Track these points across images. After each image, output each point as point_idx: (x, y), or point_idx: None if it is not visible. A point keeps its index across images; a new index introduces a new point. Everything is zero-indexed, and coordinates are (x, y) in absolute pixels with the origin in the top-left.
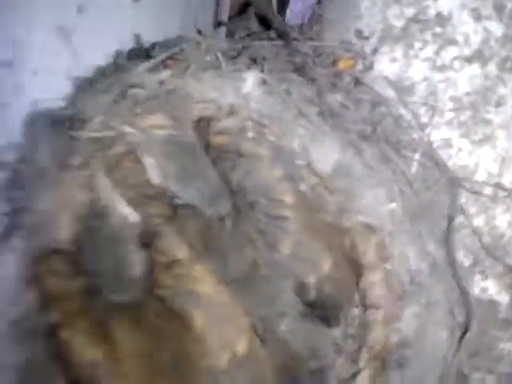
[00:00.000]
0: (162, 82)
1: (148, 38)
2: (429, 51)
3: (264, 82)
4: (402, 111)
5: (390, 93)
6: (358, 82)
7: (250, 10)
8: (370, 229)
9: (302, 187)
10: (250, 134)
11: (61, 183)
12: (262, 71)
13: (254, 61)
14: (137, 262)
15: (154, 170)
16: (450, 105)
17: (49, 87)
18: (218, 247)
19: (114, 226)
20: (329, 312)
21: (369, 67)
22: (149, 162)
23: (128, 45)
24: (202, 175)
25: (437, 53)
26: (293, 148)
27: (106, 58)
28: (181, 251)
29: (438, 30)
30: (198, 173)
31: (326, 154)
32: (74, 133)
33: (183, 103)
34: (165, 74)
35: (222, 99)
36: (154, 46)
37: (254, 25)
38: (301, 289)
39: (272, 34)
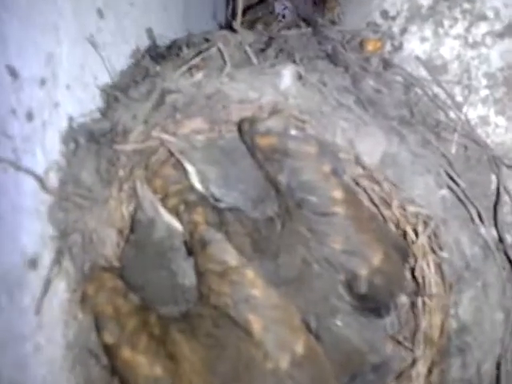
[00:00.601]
0: (198, 86)
1: (163, 32)
2: (459, 28)
3: (299, 75)
4: (437, 91)
5: (423, 73)
6: (387, 63)
7: None
8: (421, 218)
9: (348, 179)
10: (294, 132)
11: (105, 200)
12: (294, 61)
13: (283, 51)
14: (187, 270)
15: (195, 177)
16: (484, 82)
17: (82, 100)
18: (268, 249)
19: (159, 237)
20: (380, 302)
21: (398, 48)
22: (190, 168)
23: (145, 41)
24: (244, 177)
25: (467, 29)
26: (337, 142)
27: (128, 59)
28: (232, 258)
29: (467, 6)
30: (241, 175)
31: (373, 146)
32: (116, 146)
33: (222, 106)
34: (199, 76)
35: (262, 98)
36: (175, 43)
37: (273, 13)
38: (352, 282)
39: (298, 21)
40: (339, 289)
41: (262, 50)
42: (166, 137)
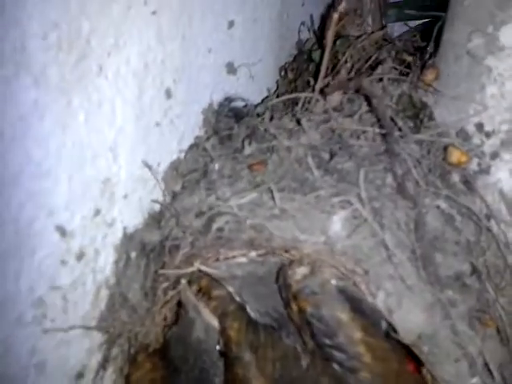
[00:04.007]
0: (247, 210)
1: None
2: None
3: (354, 217)
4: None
5: (503, 211)
6: (469, 184)
7: (347, 84)
8: None
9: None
10: (332, 289)
11: (150, 312)
12: (357, 166)
13: (350, 160)
14: (218, 369)
15: (235, 294)
16: None
17: (140, 200)
18: (292, 380)
19: (197, 337)
20: None
21: (484, 171)
22: (230, 289)
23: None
24: (280, 309)
25: None
26: (375, 304)
27: (199, 116)
28: (257, 381)
29: None
30: (277, 306)
31: (412, 326)
32: (160, 271)
33: (266, 241)
34: (251, 197)
35: (307, 243)
36: (244, 113)
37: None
38: None
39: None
40: None
41: (330, 156)
42: (207, 269)
